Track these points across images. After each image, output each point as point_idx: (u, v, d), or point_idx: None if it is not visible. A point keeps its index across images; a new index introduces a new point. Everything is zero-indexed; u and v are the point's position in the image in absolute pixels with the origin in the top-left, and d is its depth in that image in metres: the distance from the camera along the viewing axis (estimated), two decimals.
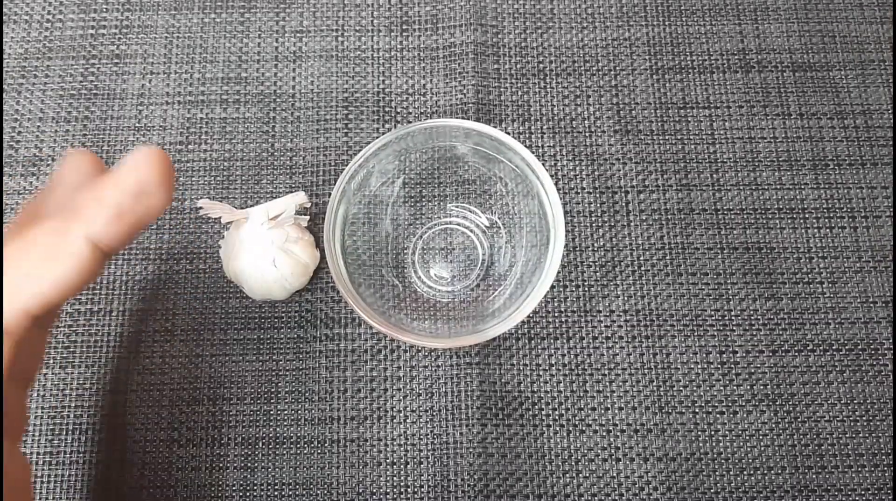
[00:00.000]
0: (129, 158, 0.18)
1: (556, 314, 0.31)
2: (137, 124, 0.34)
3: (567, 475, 0.29)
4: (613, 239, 0.32)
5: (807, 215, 0.32)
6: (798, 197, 0.33)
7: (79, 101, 0.34)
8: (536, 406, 0.30)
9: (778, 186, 0.33)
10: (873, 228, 0.32)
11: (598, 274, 0.31)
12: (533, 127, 0.33)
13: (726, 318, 0.31)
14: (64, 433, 0.29)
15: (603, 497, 0.29)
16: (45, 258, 0.18)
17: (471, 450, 0.29)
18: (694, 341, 0.31)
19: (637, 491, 0.29)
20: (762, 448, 0.29)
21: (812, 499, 0.29)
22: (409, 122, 0.34)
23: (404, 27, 0.35)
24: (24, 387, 0.21)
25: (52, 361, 0.30)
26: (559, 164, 0.33)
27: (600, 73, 0.34)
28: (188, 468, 0.29)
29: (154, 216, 0.19)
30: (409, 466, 0.29)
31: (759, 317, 0.31)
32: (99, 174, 0.21)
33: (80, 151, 0.22)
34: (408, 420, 0.30)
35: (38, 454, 0.29)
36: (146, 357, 0.30)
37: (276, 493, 0.29)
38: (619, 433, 0.29)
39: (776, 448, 0.29)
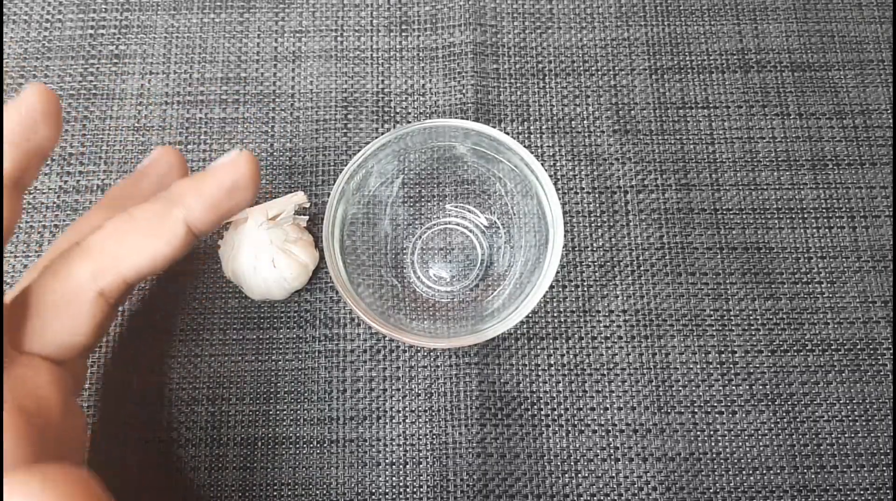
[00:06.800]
0: (227, 158, 0.21)
1: (556, 314, 0.31)
2: (136, 124, 0.34)
3: (566, 475, 0.29)
4: (612, 239, 0.32)
5: (806, 215, 0.32)
6: (797, 197, 0.33)
7: (78, 101, 0.34)
8: (535, 406, 0.30)
9: (777, 187, 0.33)
10: (872, 228, 0.32)
11: (597, 274, 0.31)
12: (532, 127, 0.33)
13: (725, 318, 0.31)
14: None
15: (602, 498, 0.29)
16: (146, 234, 0.20)
17: (470, 450, 0.29)
18: (693, 341, 0.31)
19: (636, 491, 0.29)
20: (761, 448, 0.29)
21: (811, 499, 0.29)
22: (409, 122, 0.34)
23: (403, 27, 0.35)
24: (89, 353, 0.23)
25: None
26: (558, 164, 0.33)
27: (599, 73, 0.34)
28: (187, 468, 0.29)
29: (239, 210, 0.21)
30: (408, 466, 0.29)
31: (758, 317, 0.31)
32: (182, 167, 0.24)
33: (167, 148, 0.24)
34: (407, 421, 0.30)
35: None
36: (145, 357, 0.30)
37: (274, 493, 0.29)
38: (618, 434, 0.29)
39: (775, 448, 0.29)
